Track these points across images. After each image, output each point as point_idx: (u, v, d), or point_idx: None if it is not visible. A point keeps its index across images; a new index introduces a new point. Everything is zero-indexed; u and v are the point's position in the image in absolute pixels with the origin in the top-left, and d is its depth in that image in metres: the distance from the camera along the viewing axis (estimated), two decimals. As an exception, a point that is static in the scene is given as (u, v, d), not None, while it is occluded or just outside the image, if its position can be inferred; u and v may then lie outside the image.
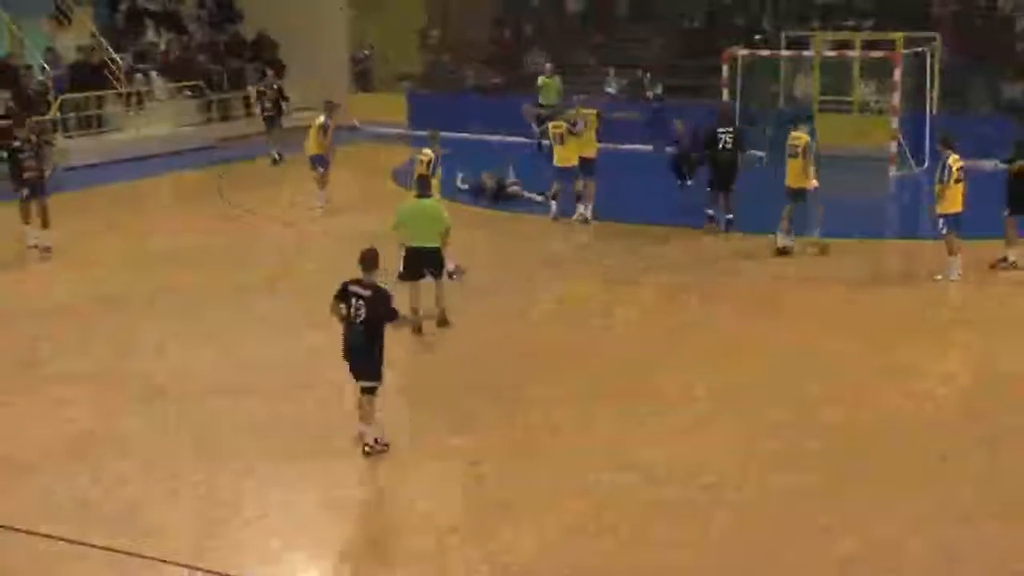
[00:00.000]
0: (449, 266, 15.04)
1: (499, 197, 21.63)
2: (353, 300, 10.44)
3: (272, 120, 27.17)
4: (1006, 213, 16.52)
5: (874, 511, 9.45)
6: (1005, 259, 16.48)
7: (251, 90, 29.77)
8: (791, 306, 15.49)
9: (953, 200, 15.92)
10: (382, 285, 10.57)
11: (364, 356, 10.51)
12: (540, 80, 27.86)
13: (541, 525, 9.29)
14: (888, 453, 10.66)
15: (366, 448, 10.56)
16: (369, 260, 10.55)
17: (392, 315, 10.53)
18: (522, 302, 15.67)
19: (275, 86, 27.59)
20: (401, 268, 13.88)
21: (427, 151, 16.72)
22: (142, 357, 13.43)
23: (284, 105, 27.50)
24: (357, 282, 10.51)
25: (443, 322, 14.29)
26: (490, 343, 13.97)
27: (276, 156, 26.45)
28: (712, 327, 14.56)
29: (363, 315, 10.39)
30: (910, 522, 9.29)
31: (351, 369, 10.65)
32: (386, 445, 10.62)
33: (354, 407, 10.72)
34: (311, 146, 21.13)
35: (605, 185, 20.06)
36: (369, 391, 10.60)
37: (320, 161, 21.07)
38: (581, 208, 19.82)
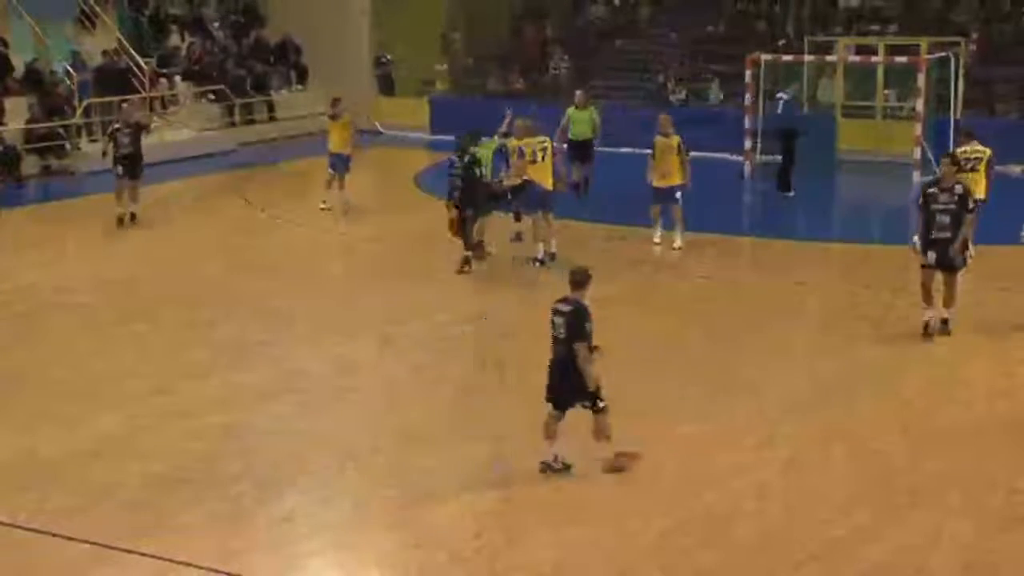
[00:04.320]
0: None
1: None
2: (554, 318, 10.11)
3: (130, 165, 20.53)
4: None
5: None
6: None
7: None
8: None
9: None
10: (583, 303, 10.05)
11: (559, 374, 10.09)
12: (569, 112, 21.47)
13: (564, 532, 9.30)
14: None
15: (543, 465, 10.23)
16: (576, 280, 10.16)
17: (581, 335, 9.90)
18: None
19: (134, 120, 21.41)
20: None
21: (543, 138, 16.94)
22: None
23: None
24: (562, 300, 10.16)
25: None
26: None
27: (128, 214, 20.57)
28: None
29: (562, 333, 10.03)
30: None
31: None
32: (566, 466, 10.26)
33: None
34: (335, 144, 21.05)
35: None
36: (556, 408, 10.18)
37: (341, 161, 20.97)
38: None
